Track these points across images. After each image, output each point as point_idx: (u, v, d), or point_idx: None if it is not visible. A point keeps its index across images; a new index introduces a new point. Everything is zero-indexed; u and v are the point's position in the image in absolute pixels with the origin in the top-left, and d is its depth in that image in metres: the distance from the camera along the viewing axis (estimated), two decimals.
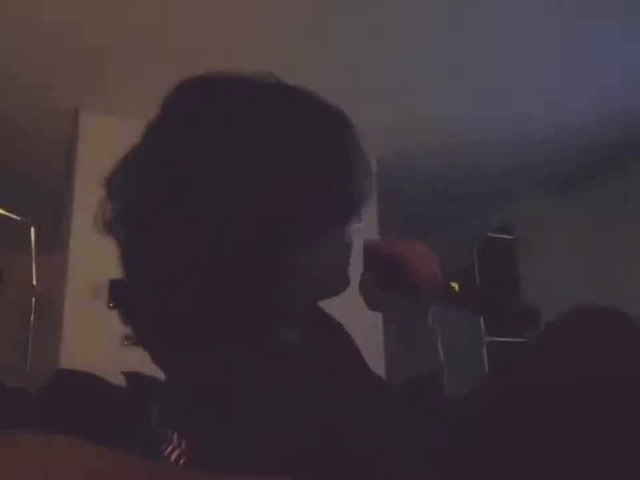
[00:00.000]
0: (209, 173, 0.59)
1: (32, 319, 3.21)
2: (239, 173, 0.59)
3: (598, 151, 4.04)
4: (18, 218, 3.18)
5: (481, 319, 4.58)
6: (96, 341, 2.93)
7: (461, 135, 3.88)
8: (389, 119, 3.73)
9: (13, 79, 3.22)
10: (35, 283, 3.21)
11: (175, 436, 0.57)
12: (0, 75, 3.19)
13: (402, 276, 0.75)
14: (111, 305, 3.04)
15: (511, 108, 3.58)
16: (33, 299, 3.23)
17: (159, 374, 0.65)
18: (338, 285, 0.70)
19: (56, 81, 3.26)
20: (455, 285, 0.76)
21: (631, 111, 3.57)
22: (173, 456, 0.56)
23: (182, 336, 0.59)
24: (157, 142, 0.63)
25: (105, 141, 3.44)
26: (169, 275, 0.58)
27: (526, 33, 2.91)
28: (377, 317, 4.14)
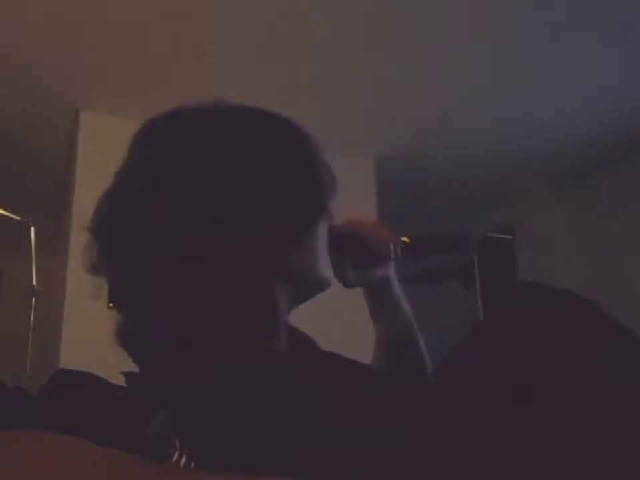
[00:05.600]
0: (200, 190, 0.62)
1: (32, 318, 3.20)
2: (229, 185, 0.63)
3: (598, 150, 4.04)
4: (18, 218, 3.18)
5: (481, 319, 4.57)
6: (96, 341, 2.92)
7: (460, 134, 3.88)
8: (389, 119, 3.73)
9: (13, 79, 3.23)
10: (34, 282, 3.20)
11: (177, 442, 0.57)
12: (0, 75, 3.19)
13: (362, 248, 0.85)
14: (110, 305, 3.04)
15: (511, 108, 3.58)
16: (33, 299, 3.23)
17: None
18: (322, 281, 0.73)
19: (56, 81, 3.26)
20: (406, 239, 0.87)
21: (630, 110, 3.57)
22: (179, 460, 0.56)
23: (180, 346, 0.60)
24: (131, 179, 0.66)
25: (105, 141, 3.44)
26: (163, 292, 0.61)
27: (526, 33, 2.91)
28: None
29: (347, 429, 0.51)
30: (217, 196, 0.62)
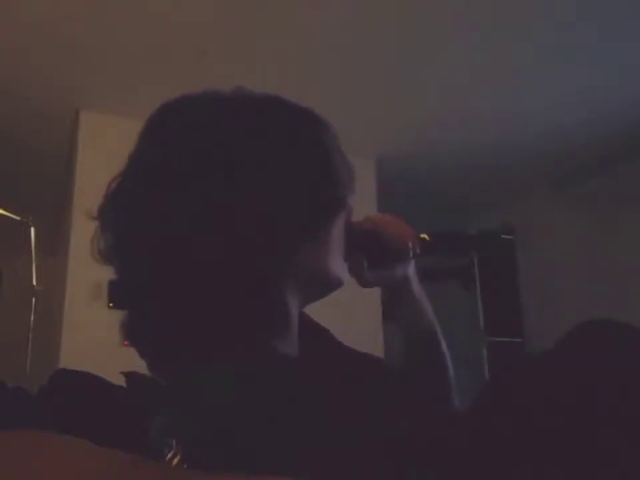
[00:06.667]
0: (199, 191, 0.60)
1: (32, 319, 3.21)
2: (228, 185, 0.60)
3: (597, 150, 4.04)
4: (18, 218, 3.18)
5: (481, 319, 4.59)
6: (96, 341, 2.93)
7: (460, 134, 3.88)
8: (389, 119, 3.73)
9: (13, 80, 3.23)
10: (34, 282, 3.20)
11: (174, 442, 0.57)
12: (0, 75, 3.19)
13: (381, 245, 0.81)
14: (110, 305, 3.04)
15: (511, 107, 3.58)
16: (33, 299, 3.23)
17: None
18: (334, 279, 0.70)
19: (56, 81, 3.26)
20: (425, 236, 0.83)
21: (630, 110, 3.57)
22: (174, 461, 0.56)
23: (180, 347, 0.60)
24: (141, 169, 0.64)
25: (105, 141, 3.45)
26: (167, 292, 0.60)
27: (526, 33, 2.91)
28: (377, 317, 4.16)
29: (347, 429, 0.51)
30: (221, 192, 0.60)
